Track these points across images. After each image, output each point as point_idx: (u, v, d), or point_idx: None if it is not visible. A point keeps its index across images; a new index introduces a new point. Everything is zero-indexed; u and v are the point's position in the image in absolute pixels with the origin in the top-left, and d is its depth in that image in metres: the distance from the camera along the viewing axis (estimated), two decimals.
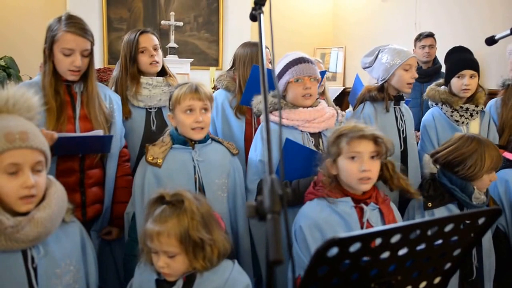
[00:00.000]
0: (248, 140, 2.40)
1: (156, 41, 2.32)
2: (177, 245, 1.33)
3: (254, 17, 1.26)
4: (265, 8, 1.20)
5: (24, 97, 1.30)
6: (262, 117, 2.11)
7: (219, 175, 1.87)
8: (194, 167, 1.82)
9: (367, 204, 1.60)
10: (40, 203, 1.27)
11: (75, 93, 1.88)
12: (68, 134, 1.79)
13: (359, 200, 1.60)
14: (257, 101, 2.11)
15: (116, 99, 2.07)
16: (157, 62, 2.29)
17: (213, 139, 1.93)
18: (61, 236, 1.35)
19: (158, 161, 1.78)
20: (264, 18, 1.18)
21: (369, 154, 1.57)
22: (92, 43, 1.86)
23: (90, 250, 1.46)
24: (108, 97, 2.01)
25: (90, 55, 1.86)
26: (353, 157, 1.57)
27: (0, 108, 1.26)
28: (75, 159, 1.84)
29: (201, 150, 1.85)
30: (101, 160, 1.95)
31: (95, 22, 5.08)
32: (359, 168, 1.55)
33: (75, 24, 1.79)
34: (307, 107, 2.04)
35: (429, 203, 1.81)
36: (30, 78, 4.55)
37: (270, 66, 2.46)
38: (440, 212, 1.83)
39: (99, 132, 1.84)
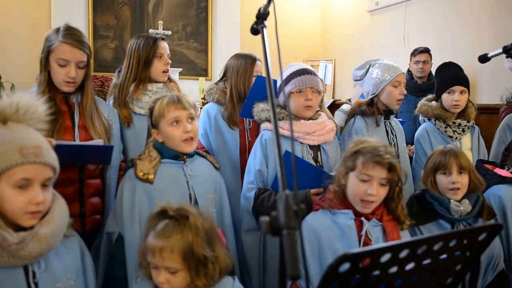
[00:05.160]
0: (242, 151, 2.41)
1: (168, 51, 2.34)
2: (180, 262, 1.30)
3: (255, 31, 1.27)
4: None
5: (34, 107, 1.27)
6: (265, 126, 2.11)
7: (209, 190, 1.84)
8: (187, 182, 1.77)
9: (368, 219, 1.60)
10: (43, 218, 1.25)
11: (73, 103, 1.87)
12: (67, 142, 1.75)
13: (361, 214, 1.61)
14: (258, 109, 2.11)
15: (113, 113, 2.07)
16: (167, 71, 2.30)
17: (197, 153, 1.89)
18: (61, 251, 1.33)
19: (150, 177, 1.69)
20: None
21: (379, 179, 1.56)
22: (89, 56, 1.85)
23: (89, 264, 1.44)
24: (106, 110, 2.01)
25: (86, 67, 1.85)
26: (363, 179, 1.57)
27: (9, 116, 1.23)
28: (74, 168, 1.82)
29: (191, 164, 1.80)
30: (101, 171, 1.92)
31: (80, 29, 4.99)
32: (366, 190, 1.55)
33: (72, 36, 1.80)
34: (307, 119, 2.05)
35: (413, 221, 1.79)
36: (12, 84, 4.53)
37: None
38: (427, 229, 1.86)
39: (99, 142, 1.81)
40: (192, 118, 1.76)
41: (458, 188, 1.85)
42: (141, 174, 1.70)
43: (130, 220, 1.68)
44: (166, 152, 1.76)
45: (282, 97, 2.09)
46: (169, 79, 2.35)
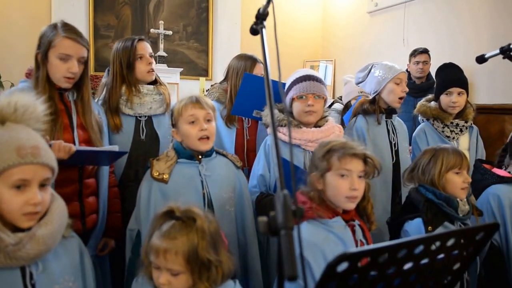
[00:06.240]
0: (239, 150, 2.43)
1: (151, 49, 2.32)
2: (183, 264, 1.28)
3: (255, 31, 1.27)
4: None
5: (33, 107, 1.25)
6: (269, 131, 2.12)
7: (226, 189, 1.84)
8: (202, 182, 1.79)
9: (353, 221, 1.58)
10: (41, 219, 1.22)
11: (68, 101, 1.86)
12: (86, 148, 1.78)
13: (348, 218, 1.58)
14: (266, 114, 2.13)
15: (102, 110, 2.08)
16: (153, 70, 2.28)
17: (217, 152, 1.91)
18: (60, 252, 1.30)
19: (164, 177, 1.74)
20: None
21: (358, 173, 1.54)
22: (88, 51, 1.85)
23: (89, 265, 1.41)
24: (96, 108, 2.01)
25: (85, 63, 1.85)
26: (342, 175, 1.53)
27: (7, 116, 1.20)
28: (74, 168, 1.82)
29: (207, 164, 1.82)
30: (96, 171, 1.93)
31: (81, 29, 4.97)
32: (349, 186, 1.52)
33: (73, 31, 1.80)
34: (311, 124, 2.06)
35: (430, 227, 1.78)
36: (12, 84, 4.52)
37: None
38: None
39: (115, 148, 1.82)
40: (210, 119, 1.80)
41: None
42: (156, 174, 1.75)
43: (146, 218, 1.72)
44: (182, 152, 1.80)
45: (286, 102, 2.11)
46: (160, 83, 2.34)
